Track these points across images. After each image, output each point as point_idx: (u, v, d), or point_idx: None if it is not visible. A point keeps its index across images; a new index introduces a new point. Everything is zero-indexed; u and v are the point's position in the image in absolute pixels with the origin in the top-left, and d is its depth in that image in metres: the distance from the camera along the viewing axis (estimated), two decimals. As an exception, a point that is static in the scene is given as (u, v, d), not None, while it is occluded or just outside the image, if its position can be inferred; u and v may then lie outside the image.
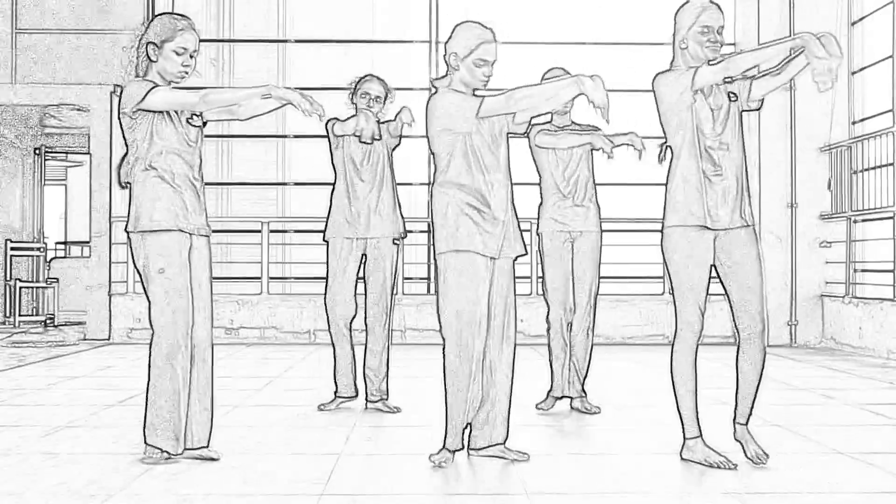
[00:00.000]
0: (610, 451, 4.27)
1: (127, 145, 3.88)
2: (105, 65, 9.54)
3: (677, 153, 3.84)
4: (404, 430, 4.68)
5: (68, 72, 9.53)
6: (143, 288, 3.86)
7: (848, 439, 4.39)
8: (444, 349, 3.82)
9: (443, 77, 3.94)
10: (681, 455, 3.88)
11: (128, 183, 3.91)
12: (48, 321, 11.53)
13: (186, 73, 3.88)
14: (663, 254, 3.86)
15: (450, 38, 3.91)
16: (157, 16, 3.95)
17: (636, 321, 9.40)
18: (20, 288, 11.57)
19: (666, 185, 3.88)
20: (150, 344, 3.84)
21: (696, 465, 3.82)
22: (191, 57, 3.87)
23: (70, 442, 4.30)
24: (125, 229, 3.91)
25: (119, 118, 3.85)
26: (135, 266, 3.90)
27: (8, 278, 11.67)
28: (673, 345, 3.86)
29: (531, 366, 7.58)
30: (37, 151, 12.77)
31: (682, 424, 3.86)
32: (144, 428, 3.85)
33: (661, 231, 3.87)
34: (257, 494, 3.39)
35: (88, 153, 9.95)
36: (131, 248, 3.88)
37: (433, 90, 3.94)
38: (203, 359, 3.92)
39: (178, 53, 3.84)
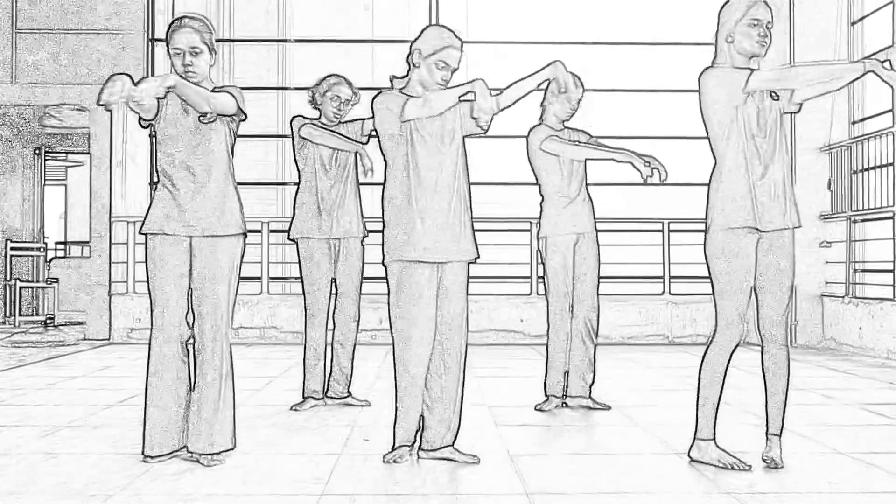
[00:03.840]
0: (610, 451, 4.27)
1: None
2: (105, 65, 9.54)
3: (722, 153, 3.75)
4: (404, 430, 4.67)
5: (68, 72, 9.53)
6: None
7: (848, 439, 4.39)
8: (396, 363, 3.88)
9: (403, 76, 3.96)
10: (689, 455, 3.87)
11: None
12: (48, 321, 11.53)
13: (188, 71, 3.84)
14: (707, 255, 3.80)
15: (418, 37, 3.91)
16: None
17: (636, 321, 9.41)
18: (20, 288, 11.57)
19: (709, 185, 3.80)
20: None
21: (696, 465, 3.82)
22: (192, 55, 3.85)
23: (70, 442, 4.30)
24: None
25: None
26: None
27: (8, 278, 11.67)
28: (710, 345, 3.82)
29: (531, 365, 7.58)
30: (37, 151, 12.77)
31: (697, 424, 3.84)
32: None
33: (706, 232, 3.80)
34: (257, 494, 3.39)
35: (88, 153, 9.95)
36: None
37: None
38: (202, 360, 3.89)
39: (174, 55, 3.86)
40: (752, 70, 3.67)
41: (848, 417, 5.06)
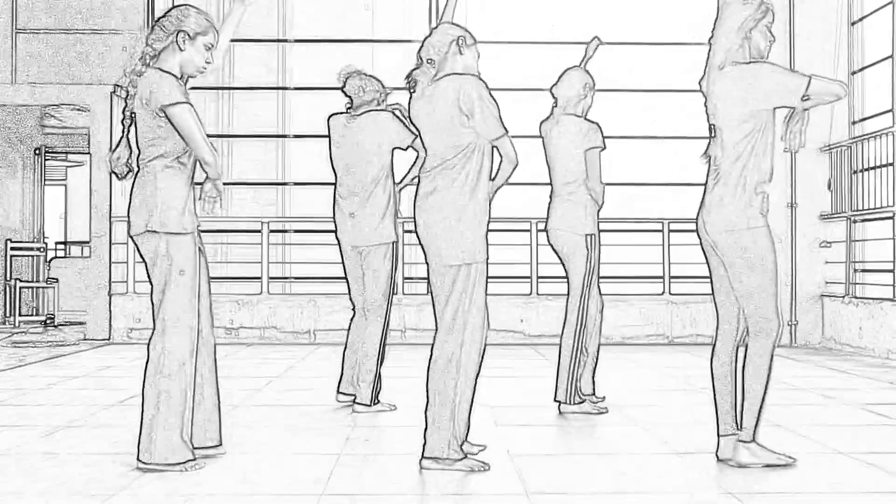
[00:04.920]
0: (610, 451, 4.27)
1: (134, 135, 3.76)
2: (105, 65, 9.54)
3: (759, 145, 3.73)
4: (404, 430, 4.67)
5: (68, 72, 9.52)
6: (154, 289, 3.72)
7: (848, 439, 4.39)
8: (463, 358, 3.75)
9: (414, 69, 3.87)
10: (737, 461, 3.81)
11: (125, 174, 3.81)
12: (48, 321, 11.53)
13: (206, 69, 3.84)
14: (754, 253, 3.72)
15: (432, 35, 3.85)
16: (179, 6, 3.84)
17: (636, 321, 9.40)
18: (20, 288, 11.57)
19: (734, 177, 3.75)
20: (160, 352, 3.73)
21: (695, 465, 3.82)
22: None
23: (70, 442, 4.30)
24: (148, 227, 3.70)
25: (140, 108, 3.71)
26: (146, 266, 3.77)
27: (8, 278, 11.67)
28: (759, 346, 3.73)
29: (531, 365, 7.58)
30: (37, 151, 12.76)
31: (745, 425, 3.77)
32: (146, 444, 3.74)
33: (748, 228, 3.73)
34: (258, 494, 3.39)
35: (88, 153, 9.95)
36: (140, 246, 3.74)
37: (417, 82, 3.83)
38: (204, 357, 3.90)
39: (206, 48, 3.81)
40: (809, 76, 3.69)
41: (848, 417, 5.06)
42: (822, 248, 9.28)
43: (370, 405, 5.13)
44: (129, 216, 3.79)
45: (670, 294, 9.46)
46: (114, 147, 3.83)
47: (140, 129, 3.75)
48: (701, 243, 3.94)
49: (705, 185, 3.87)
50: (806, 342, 9.25)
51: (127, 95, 3.77)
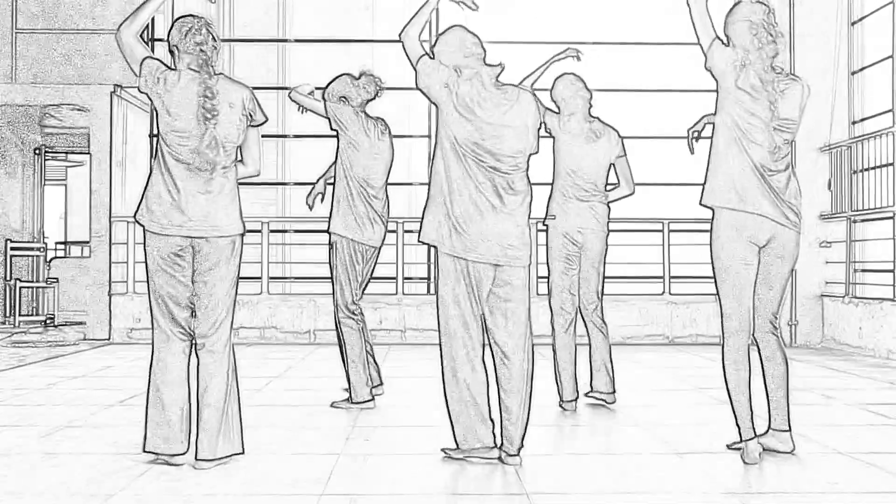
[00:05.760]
0: (610, 451, 4.27)
1: (223, 142, 3.80)
2: (105, 65, 9.54)
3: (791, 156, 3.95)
4: (404, 430, 4.68)
5: (68, 72, 9.52)
6: (221, 286, 3.92)
7: (848, 439, 4.39)
8: (531, 354, 3.87)
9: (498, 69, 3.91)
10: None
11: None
12: (48, 321, 11.54)
13: None
14: (794, 251, 4.06)
15: (473, 35, 3.97)
16: (188, 16, 3.86)
17: (636, 321, 9.40)
18: (20, 288, 11.57)
19: (793, 179, 3.92)
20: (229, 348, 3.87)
21: (696, 465, 3.82)
22: None
23: (70, 442, 4.30)
24: (246, 230, 4.01)
25: (241, 114, 3.82)
26: (203, 264, 3.91)
27: (8, 278, 11.67)
28: (776, 342, 4.18)
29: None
30: (37, 151, 12.76)
31: (783, 415, 4.00)
32: (213, 437, 3.79)
33: (796, 232, 3.98)
34: (257, 494, 3.39)
35: (88, 153, 9.95)
36: (220, 248, 3.93)
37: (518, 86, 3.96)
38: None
39: None
40: None
41: (848, 417, 5.06)
42: (822, 248, 9.28)
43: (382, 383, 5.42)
44: (209, 217, 3.85)
45: (670, 294, 9.46)
46: (209, 143, 3.74)
47: (222, 133, 3.77)
48: (713, 236, 3.93)
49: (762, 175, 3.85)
50: (806, 342, 9.25)
51: (211, 95, 3.73)
